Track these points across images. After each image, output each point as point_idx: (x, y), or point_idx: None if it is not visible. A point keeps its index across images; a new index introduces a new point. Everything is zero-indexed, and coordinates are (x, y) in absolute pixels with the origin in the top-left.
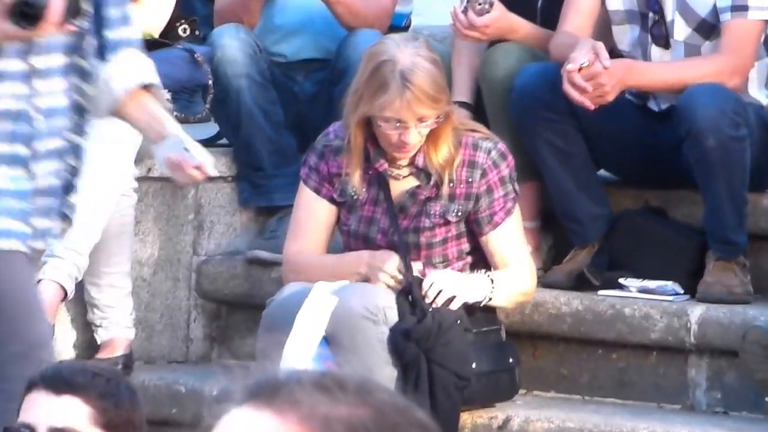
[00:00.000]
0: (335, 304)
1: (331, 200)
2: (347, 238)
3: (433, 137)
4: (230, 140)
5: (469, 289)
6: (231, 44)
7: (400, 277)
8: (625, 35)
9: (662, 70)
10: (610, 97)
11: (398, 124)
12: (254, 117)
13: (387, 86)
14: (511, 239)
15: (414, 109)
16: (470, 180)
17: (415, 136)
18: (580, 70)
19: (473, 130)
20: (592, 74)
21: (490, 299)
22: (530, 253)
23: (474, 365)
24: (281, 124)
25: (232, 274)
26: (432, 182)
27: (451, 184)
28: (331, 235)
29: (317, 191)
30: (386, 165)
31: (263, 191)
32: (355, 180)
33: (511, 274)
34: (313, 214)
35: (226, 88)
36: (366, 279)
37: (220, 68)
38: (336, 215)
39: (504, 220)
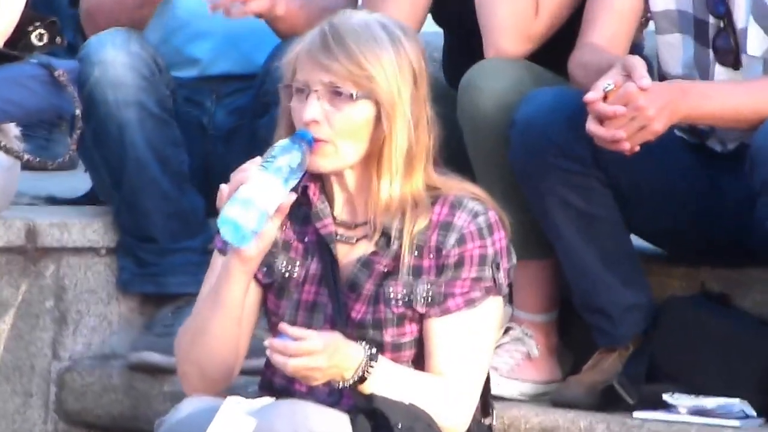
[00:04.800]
0: (253, 428)
1: (254, 279)
2: (278, 334)
3: (374, 161)
4: (107, 197)
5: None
6: (117, 59)
7: None
8: (675, 50)
9: (732, 94)
10: (659, 127)
11: (301, 91)
12: (145, 165)
13: (303, 39)
14: (458, 343)
15: (320, 61)
16: (441, 247)
17: (315, 109)
18: (605, 98)
19: (461, 189)
20: (625, 98)
21: (362, 380)
22: (541, 361)
23: None
24: (184, 176)
25: (106, 386)
26: (394, 246)
27: (416, 253)
28: (255, 326)
29: None
30: (332, 225)
31: (152, 272)
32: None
33: (429, 384)
34: None
35: (105, 122)
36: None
37: (97, 92)
38: (261, 299)
39: (459, 310)
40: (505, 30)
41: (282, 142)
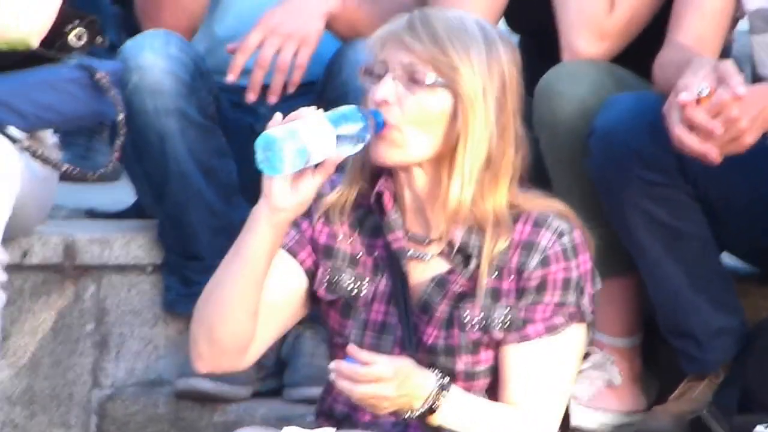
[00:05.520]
0: None
1: (310, 276)
2: (344, 355)
3: (446, 164)
4: (151, 211)
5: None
6: (155, 64)
7: None
8: None
9: None
10: (750, 140)
11: (376, 71)
12: (189, 178)
13: (389, 22)
14: (537, 372)
15: (403, 39)
16: (522, 269)
17: (387, 89)
18: (698, 101)
19: (546, 206)
20: (718, 107)
21: (431, 411)
22: (624, 389)
23: None
24: (232, 188)
25: (152, 416)
26: (472, 265)
27: (496, 274)
28: (286, 323)
29: (293, 252)
30: (404, 239)
31: (199, 292)
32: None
33: (504, 416)
34: (276, 283)
35: (145, 132)
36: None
37: (136, 100)
38: (305, 302)
39: (539, 337)
40: (576, 27)
41: (350, 107)
